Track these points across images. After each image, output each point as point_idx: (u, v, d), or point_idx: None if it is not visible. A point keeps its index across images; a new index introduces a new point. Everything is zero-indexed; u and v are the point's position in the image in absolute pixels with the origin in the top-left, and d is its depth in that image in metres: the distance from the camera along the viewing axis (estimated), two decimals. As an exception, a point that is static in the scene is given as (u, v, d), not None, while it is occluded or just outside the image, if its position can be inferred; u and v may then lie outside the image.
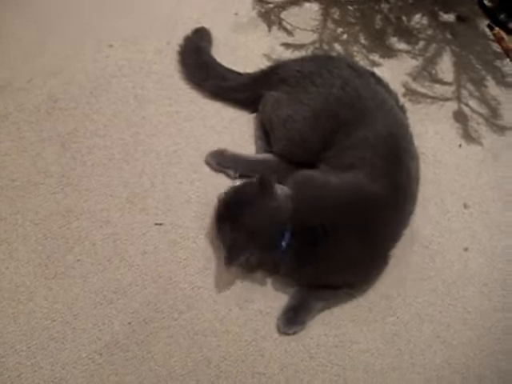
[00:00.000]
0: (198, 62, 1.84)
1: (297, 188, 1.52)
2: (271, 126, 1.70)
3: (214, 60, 1.83)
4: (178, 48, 1.87)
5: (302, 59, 1.81)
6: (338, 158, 1.56)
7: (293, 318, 1.53)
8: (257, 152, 1.77)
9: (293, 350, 1.51)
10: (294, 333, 1.53)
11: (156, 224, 1.61)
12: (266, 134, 1.75)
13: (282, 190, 1.51)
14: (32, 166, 1.63)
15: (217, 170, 1.71)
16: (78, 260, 1.53)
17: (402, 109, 1.70)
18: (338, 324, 1.56)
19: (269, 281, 1.58)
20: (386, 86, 1.69)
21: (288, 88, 1.66)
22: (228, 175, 1.71)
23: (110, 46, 1.86)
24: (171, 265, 1.56)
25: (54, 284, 1.49)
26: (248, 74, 1.80)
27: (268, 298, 1.55)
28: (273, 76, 1.74)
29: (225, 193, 1.52)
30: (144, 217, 1.61)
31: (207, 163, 1.72)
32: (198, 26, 1.92)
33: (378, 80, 1.68)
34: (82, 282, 1.51)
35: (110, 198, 1.62)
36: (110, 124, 1.73)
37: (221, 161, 1.71)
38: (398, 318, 1.60)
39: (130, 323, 1.48)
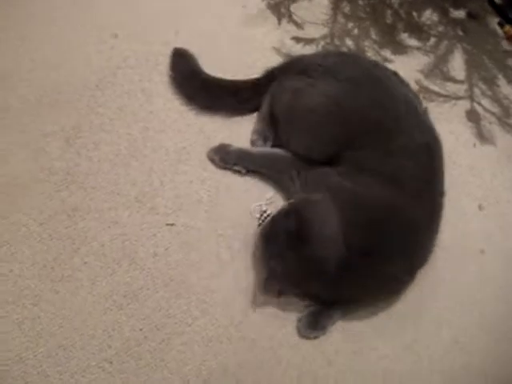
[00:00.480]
0: (201, 89, 1.71)
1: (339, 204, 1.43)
2: (289, 116, 1.61)
3: (215, 79, 1.72)
4: (172, 80, 1.74)
5: (321, 54, 1.76)
6: (376, 162, 1.47)
7: (314, 323, 1.47)
8: (252, 144, 1.68)
9: (311, 357, 1.46)
10: (315, 337, 1.48)
11: (167, 224, 1.53)
12: (272, 125, 1.67)
13: (328, 224, 1.40)
14: (35, 161, 1.54)
15: (222, 167, 1.64)
16: (86, 262, 1.45)
17: (425, 112, 1.64)
18: (356, 330, 1.51)
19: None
20: (408, 87, 1.63)
21: (310, 80, 1.58)
22: (236, 171, 1.64)
23: (115, 36, 1.77)
24: (183, 267, 1.49)
25: (61, 287, 1.41)
26: (256, 78, 1.72)
27: (285, 302, 1.49)
28: (287, 71, 1.67)
29: (267, 219, 1.46)
30: (154, 217, 1.54)
31: (210, 159, 1.64)
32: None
33: (402, 81, 1.62)
34: (90, 285, 1.43)
35: (118, 196, 1.54)
36: (117, 118, 1.64)
37: (224, 156, 1.63)
38: (416, 322, 1.55)
39: (141, 329, 1.40)
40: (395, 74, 1.62)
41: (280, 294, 1.45)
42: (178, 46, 1.78)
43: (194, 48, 1.79)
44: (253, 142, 1.68)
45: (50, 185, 1.52)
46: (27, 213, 1.48)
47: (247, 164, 1.63)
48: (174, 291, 1.46)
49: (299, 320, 1.48)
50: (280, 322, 1.48)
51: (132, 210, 1.53)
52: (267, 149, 1.67)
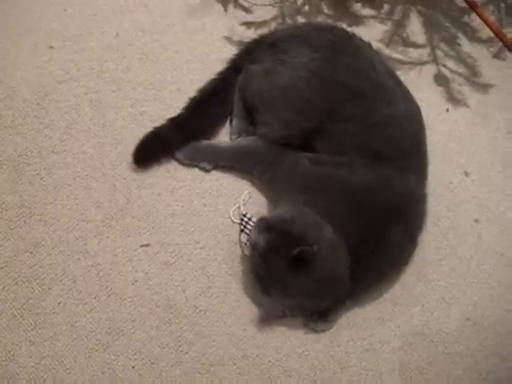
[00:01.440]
0: (181, 137, 1.49)
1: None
2: (262, 101, 1.49)
3: (179, 117, 1.52)
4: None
5: (291, 26, 1.68)
6: (361, 135, 1.39)
7: (323, 315, 1.37)
8: (232, 131, 1.56)
9: (321, 364, 1.35)
10: (323, 331, 1.38)
11: (142, 246, 1.39)
12: (246, 113, 1.55)
13: (331, 247, 1.28)
14: (-18, 200, 1.38)
15: (188, 165, 1.50)
16: (59, 302, 1.30)
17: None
18: (363, 325, 1.41)
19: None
20: (382, 57, 1.54)
21: (280, 55, 1.47)
22: (201, 168, 1.50)
23: (51, 47, 1.59)
24: (168, 290, 1.36)
25: (36, 336, 1.25)
26: (220, 75, 1.59)
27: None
28: (252, 53, 1.56)
29: (261, 243, 1.28)
30: (126, 240, 1.39)
31: (177, 159, 1.49)
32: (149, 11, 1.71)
33: (376, 52, 1.54)
34: (69, 327, 1.28)
35: (83, 223, 1.39)
36: (67, 137, 1.48)
37: (194, 155, 1.50)
38: (423, 306, 1.47)
39: (134, 367, 1.26)
40: (369, 44, 1.54)
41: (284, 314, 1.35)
42: (122, 48, 1.63)
43: (137, 49, 1.65)
44: (233, 141, 1.55)
45: (4, 223, 1.35)
46: (-17, 259, 1.31)
47: (216, 160, 1.50)
48: (163, 318, 1.32)
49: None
50: (282, 333, 1.36)
51: (101, 236, 1.38)
52: (238, 140, 1.54)
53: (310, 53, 1.44)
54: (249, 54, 1.58)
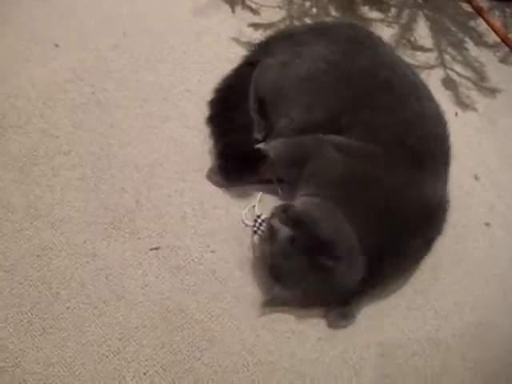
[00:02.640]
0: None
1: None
2: (279, 92, 1.46)
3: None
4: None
5: (310, 23, 1.70)
6: (391, 131, 1.36)
7: (343, 311, 1.36)
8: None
9: (336, 369, 1.31)
10: (344, 326, 1.36)
11: (152, 249, 1.35)
12: (261, 111, 1.52)
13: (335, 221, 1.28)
14: (-13, 201, 1.33)
15: None
16: (68, 307, 1.25)
17: None
18: (377, 330, 1.38)
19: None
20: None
21: (297, 47, 1.45)
22: None
23: (56, 46, 1.56)
24: (179, 295, 1.31)
25: (44, 342, 1.20)
26: (236, 71, 1.58)
27: (298, 314, 1.35)
28: (269, 47, 1.54)
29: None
30: (135, 242, 1.35)
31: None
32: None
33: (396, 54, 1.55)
34: (78, 333, 1.23)
35: (91, 225, 1.35)
36: (74, 137, 1.44)
37: None
38: (436, 311, 1.45)
39: (145, 373, 1.21)
40: (390, 45, 1.54)
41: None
42: (131, 47, 1.61)
43: (144, 49, 1.62)
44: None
45: (10, 225, 1.31)
46: (-11, 262, 1.27)
47: None
48: (174, 323, 1.28)
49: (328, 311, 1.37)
50: (296, 338, 1.32)
51: (110, 238, 1.34)
52: None
53: (328, 45, 1.43)
54: (264, 48, 1.56)
